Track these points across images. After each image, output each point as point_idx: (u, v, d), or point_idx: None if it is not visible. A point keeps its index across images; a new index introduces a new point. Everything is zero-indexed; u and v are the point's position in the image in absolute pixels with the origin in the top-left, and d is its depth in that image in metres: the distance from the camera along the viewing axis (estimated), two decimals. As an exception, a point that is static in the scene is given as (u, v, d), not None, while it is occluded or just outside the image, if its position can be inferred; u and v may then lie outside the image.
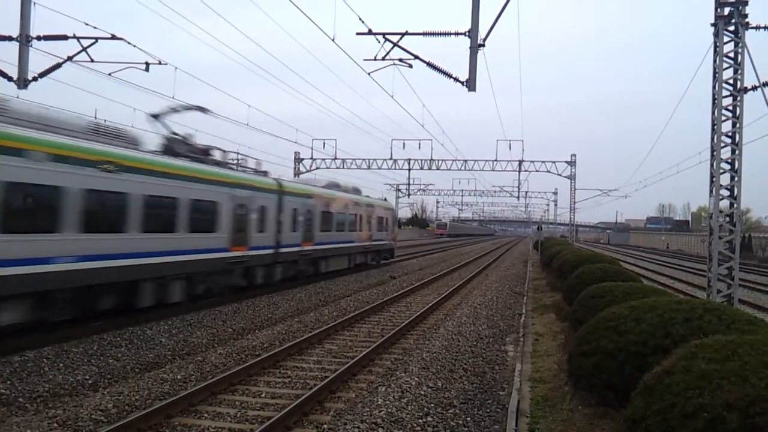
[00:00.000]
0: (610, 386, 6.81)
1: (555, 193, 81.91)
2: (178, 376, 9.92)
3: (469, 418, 8.29)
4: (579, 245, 53.15)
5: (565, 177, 58.29)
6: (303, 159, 59.74)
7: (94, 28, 18.35)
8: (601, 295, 10.43)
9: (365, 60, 17.31)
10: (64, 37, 19.47)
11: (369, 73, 18.01)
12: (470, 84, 16.67)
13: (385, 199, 41.46)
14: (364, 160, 61.78)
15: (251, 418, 8.15)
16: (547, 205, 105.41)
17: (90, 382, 9.58)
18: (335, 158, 59.45)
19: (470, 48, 15.81)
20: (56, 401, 8.60)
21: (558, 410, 7.94)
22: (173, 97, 22.77)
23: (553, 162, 57.58)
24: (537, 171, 56.87)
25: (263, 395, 9.30)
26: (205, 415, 8.29)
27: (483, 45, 15.84)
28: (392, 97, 21.45)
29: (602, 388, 6.91)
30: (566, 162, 57.81)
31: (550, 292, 22.78)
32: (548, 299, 20.42)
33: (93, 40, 18.84)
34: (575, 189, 58.21)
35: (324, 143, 56.97)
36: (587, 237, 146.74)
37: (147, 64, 21.02)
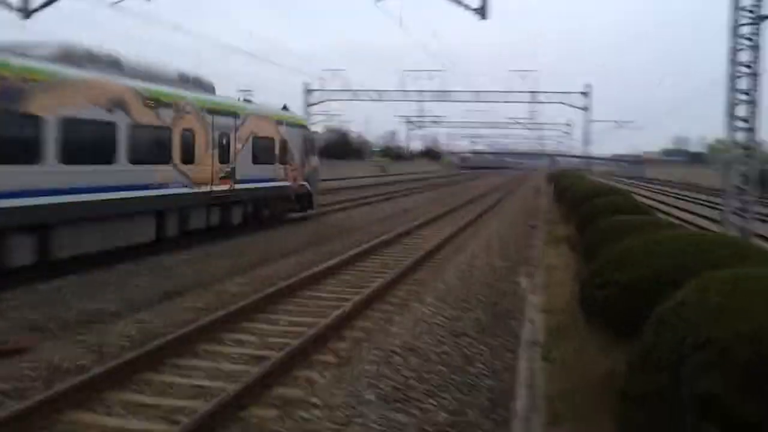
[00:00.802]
0: (621, 318, 6.96)
1: (568, 125, 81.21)
2: (199, 305, 10.21)
3: (483, 347, 8.52)
4: (593, 178, 52.97)
5: (580, 108, 57.53)
6: (313, 91, 59.20)
7: None
8: (614, 228, 10.50)
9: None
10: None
11: (376, 2, 17.62)
12: (482, 11, 16.33)
13: (285, 108, 23.70)
14: (375, 91, 61.17)
15: (272, 345, 8.41)
16: (561, 137, 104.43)
17: (113, 310, 9.88)
18: (345, 89, 58.87)
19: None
20: (83, 328, 8.90)
21: (570, 340, 8.15)
22: (176, 28, 22.34)
23: (567, 93, 56.78)
24: (550, 102, 56.18)
25: (282, 323, 9.58)
26: (227, 342, 8.58)
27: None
28: (400, 25, 21.10)
29: (614, 320, 7.06)
30: (581, 93, 56.96)
31: (563, 224, 22.88)
32: (561, 231, 20.55)
33: None
34: (590, 120, 57.58)
35: (333, 75, 56.25)
36: (602, 170, 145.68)
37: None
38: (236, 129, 18.04)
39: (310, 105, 57.01)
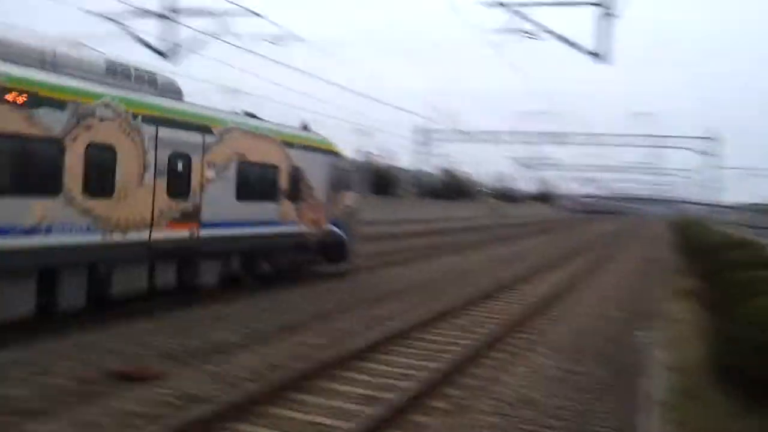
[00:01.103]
0: (757, 381, 6.56)
1: (690, 170, 77.50)
2: (316, 341, 10.52)
3: (599, 403, 8.22)
4: (719, 228, 50.18)
5: (705, 153, 54.98)
6: (424, 131, 59.98)
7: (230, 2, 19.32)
8: (746, 284, 9.94)
9: (490, 32, 17.15)
10: (208, 13, 20.97)
11: (494, 46, 17.85)
12: (602, 56, 16.15)
13: (306, 128, 17.35)
14: (487, 132, 61.09)
15: (385, 387, 8.50)
16: (685, 182, 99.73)
17: (238, 342, 10.34)
18: (457, 130, 59.21)
19: (603, 17, 15.30)
20: (209, 357, 9.38)
21: (697, 401, 7.72)
22: (304, 71, 23.46)
23: (692, 138, 54.39)
24: (675, 147, 54.02)
25: (395, 365, 9.66)
26: (342, 380, 8.76)
27: (617, 15, 15.32)
28: (518, 69, 21.14)
29: (748, 383, 6.67)
30: (707, 138, 54.45)
31: (688, 276, 21.77)
32: (685, 284, 19.55)
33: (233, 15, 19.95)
34: (717, 167, 54.85)
35: (446, 116, 56.79)
36: (729, 219, 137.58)
37: (276, 37, 22.09)
38: (205, 149, 12.70)
39: (421, 144, 57.81)
